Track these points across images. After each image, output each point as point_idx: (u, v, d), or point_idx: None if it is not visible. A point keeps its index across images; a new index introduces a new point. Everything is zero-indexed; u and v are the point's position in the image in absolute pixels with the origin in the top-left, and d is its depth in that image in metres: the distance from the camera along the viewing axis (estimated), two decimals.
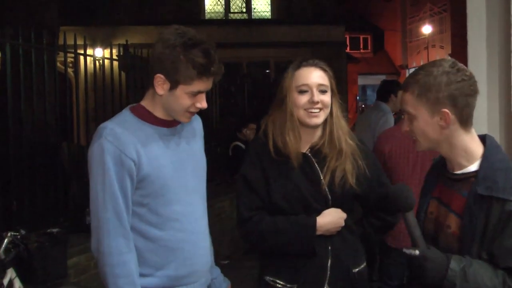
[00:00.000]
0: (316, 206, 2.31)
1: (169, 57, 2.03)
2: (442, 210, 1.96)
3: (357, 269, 2.40)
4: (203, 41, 2.06)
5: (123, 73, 6.79)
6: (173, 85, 2.07)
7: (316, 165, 2.34)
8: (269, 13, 16.00)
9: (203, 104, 2.13)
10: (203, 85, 2.08)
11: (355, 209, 2.44)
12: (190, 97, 2.09)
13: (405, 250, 1.84)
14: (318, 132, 2.38)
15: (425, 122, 1.88)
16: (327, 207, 2.32)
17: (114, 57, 6.56)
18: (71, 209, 5.20)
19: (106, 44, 6.29)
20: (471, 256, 1.79)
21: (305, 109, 2.30)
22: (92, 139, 2.12)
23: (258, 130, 7.55)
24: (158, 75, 2.06)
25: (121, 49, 6.61)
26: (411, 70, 31.63)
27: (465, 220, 1.83)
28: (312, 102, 2.29)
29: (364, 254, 2.49)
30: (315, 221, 2.28)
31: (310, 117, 2.30)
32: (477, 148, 1.89)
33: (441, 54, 27.47)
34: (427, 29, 29.00)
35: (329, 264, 2.32)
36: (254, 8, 16.03)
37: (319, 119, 2.32)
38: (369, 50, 33.92)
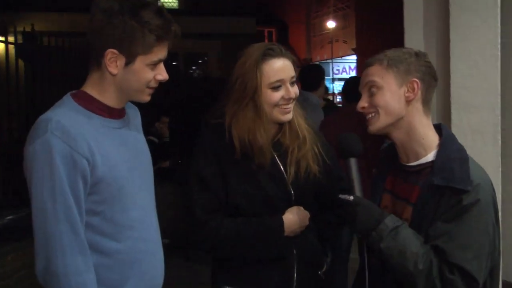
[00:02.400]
0: (279, 204, 2.09)
1: (119, 26, 1.72)
2: (399, 205, 1.88)
3: (322, 271, 2.24)
4: (150, 2, 1.78)
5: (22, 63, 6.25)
6: (130, 59, 1.75)
7: (278, 160, 2.12)
8: (176, 3, 15.66)
9: (164, 75, 1.84)
10: (163, 51, 1.80)
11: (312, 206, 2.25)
12: (151, 68, 1.80)
13: (340, 195, 1.86)
14: (277, 124, 2.16)
15: (392, 92, 1.81)
16: (290, 204, 2.11)
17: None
18: None
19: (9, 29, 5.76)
20: None
21: (278, 106, 2.07)
22: (30, 134, 1.72)
23: (171, 124, 7.26)
24: (110, 50, 1.74)
25: (22, 36, 6.06)
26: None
27: (417, 208, 1.79)
28: (289, 99, 2.07)
29: (323, 254, 2.32)
30: (282, 222, 2.06)
31: (283, 113, 2.08)
32: (434, 137, 1.84)
33: (345, 48, 28.22)
34: (331, 24, 29.64)
35: (295, 268, 2.12)
36: None
37: (292, 114, 2.11)
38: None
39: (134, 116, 2.02)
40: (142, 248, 1.87)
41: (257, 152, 2.05)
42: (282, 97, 2.05)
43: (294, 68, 2.11)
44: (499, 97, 2.57)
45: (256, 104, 2.04)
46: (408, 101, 1.81)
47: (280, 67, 2.05)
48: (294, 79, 2.10)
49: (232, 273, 2.13)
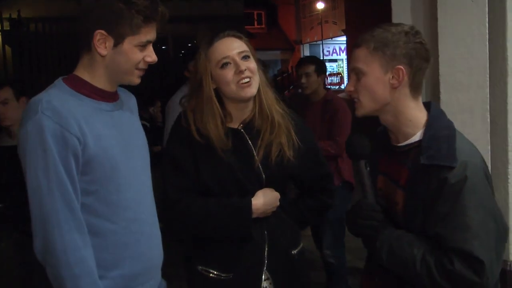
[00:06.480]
0: (249, 186, 2.11)
1: (107, 8, 1.75)
2: (391, 187, 1.85)
3: (296, 250, 2.25)
4: None
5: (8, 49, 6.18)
6: (119, 39, 1.79)
7: (249, 141, 2.13)
8: None
9: (153, 57, 1.87)
10: (151, 32, 1.83)
11: (288, 190, 2.27)
12: (140, 49, 1.83)
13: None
14: (250, 105, 2.17)
15: (376, 79, 1.75)
16: (261, 187, 2.13)
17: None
18: None
19: None
20: (414, 229, 1.73)
21: (235, 83, 2.08)
22: (23, 116, 1.74)
23: (162, 108, 7.25)
24: (98, 31, 1.76)
25: (8, 22, 5.99)
26: (305, 45, 32.40)
27: (408, 192, 1.75)
28: (240, 72, 2.07)
29: (300, 234, 2.34)
30: (250, 203, 2.08)
31: (243, 88, 2.08)
32: (422, 116, 1.79)
33: (334, 29, 28.21)
34: (320, 5, 29.58)
35: (266, 249, 2.14)
36: None
37: (253, 88, 2.11)
38: (263, 26, 34.11)
39: (128, 99, 2.04)
40: (137, 229, 1.88)
41: (214, 139, 2.08)
42: (234, 72, 2.08)
43: (248, 45, 2.14)
44: (488, 75, 2.56)
45: (203, 90, 2.10)
46: (394, 88, 1.75)
47: (224, 46, 2.10)
48: (246, 54, 2.12)
49: (205, 253, 2.16)
